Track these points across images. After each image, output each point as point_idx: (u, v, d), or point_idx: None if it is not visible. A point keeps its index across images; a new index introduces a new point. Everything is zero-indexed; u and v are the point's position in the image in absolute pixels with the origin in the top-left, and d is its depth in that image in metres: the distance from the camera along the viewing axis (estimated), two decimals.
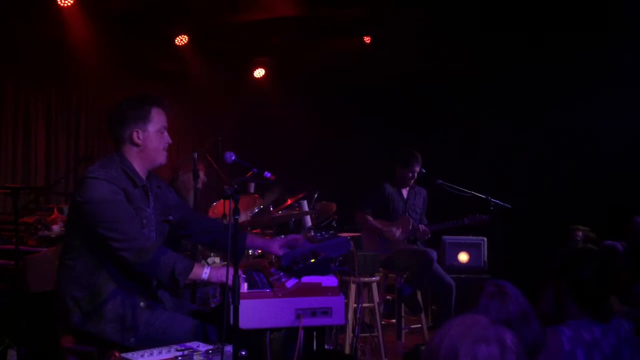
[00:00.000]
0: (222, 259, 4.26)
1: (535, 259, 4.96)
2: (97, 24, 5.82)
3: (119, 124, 2.68)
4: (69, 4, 5.52)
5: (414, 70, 7.20)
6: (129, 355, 2.18)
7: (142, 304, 2.57)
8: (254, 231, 5.06)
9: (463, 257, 5.90)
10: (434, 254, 4.89)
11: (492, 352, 1.27)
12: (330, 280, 2.52)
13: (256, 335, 2.61)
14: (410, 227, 5.04)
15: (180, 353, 2.18)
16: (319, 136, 7.82)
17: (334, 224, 5.55)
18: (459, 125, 6.98)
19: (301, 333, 2.43)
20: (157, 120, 2.70)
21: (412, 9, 5.91)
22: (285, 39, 6.90)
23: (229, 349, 2.18)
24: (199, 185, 4.05)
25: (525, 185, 6.55)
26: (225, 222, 3.42)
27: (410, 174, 5.10)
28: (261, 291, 2.48)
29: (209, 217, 4.77)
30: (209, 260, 4.26)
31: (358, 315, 3.87)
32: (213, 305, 3.84)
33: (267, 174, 3.03)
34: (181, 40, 6.67)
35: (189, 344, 2.30)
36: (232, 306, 2.23)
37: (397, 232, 4.96)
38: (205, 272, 2.58)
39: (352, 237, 4.30)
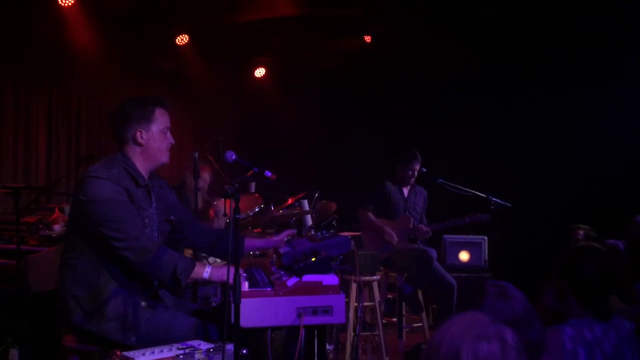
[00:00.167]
0: (223, 258, 4.26)
1: (536, 257, 4.97)
2: (98, 24, 5.83)
3: (122, 124, 2.68)
4: (70, 3, 5.53)
5: (414, 69, 7.20)
6: (130, 354, 2.19)
7: (143, 303, 2.57)
8: (255, 230, 5.07)
9: (464, 256, 5.90)
10: (434, 253, 4.89)
11: (493, 349, 1.28)
12: (331, 279, 2.52)
13: (257, 333, 2.61)
14: (411, 226, 5.05)
15: (181, 352, 2.18)
16: (319, 135, 7.83)
17: (334, 223, 5.56)
18: (460, 124, 6.98)
19: (302, 332, 2.43)
20: (160, 121, 2.70)
21: (412, 9, 5.91)
22: (285, 39, 6.90)
23: (230, 347, 2.18)
24: (201, 184, 4.05)
25: (526, 183, 6.55)
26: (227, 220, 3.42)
27: (410, 173, 5.11)
28: (262, 290, 2.49)
29: (209, 217, 4.78)
30: (210, 259, 4.27)
31: (359, 314, 3.87)
32: (214, 304, 3.85)
33: (268, 173, 3.03)
34: (182, 40, 6.68)
35: (190, 343, 2.30)
36: (233, 305, 2.23)
37: (395, 235, 4.96)
38: (206, 271, 2.58)
39: (353, 236, 4.30)
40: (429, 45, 6.74)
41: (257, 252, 4.44)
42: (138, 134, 2.66)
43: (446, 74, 7.13)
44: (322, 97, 7.87)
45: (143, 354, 2.19)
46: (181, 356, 2.15)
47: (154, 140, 2.68)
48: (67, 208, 4.45)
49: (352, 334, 4.18)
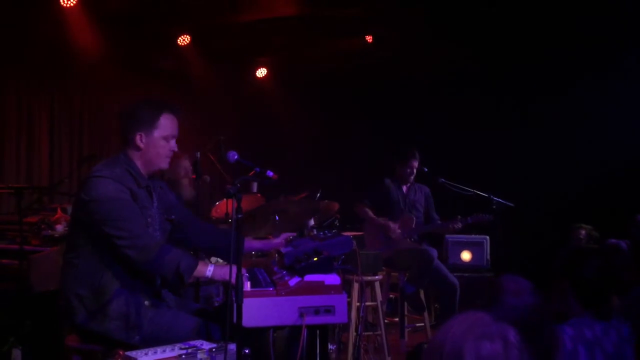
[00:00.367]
0: (223, 258, 4.25)
1: (538, 257, 4.97)
2: (100, 24, 5.83)
3: (127, 125, 2.69)
4: (72, 4, 5.54)
5: (415, 69, 7.20)
6: (133, 353, 2.19)
7: (146, 302, 2.58)
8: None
9: (466, 255, 5.90)
10: (434, 253, 4.90)
11: (496, 348, 1.28)
12: (333, 279, 2.53)
13: (259, 333, 2.61)
14: (414, 226, 5.05)
15: (184, 351, 2.19)
16: (321, 135, 7.83)
17: (336, 222, 5.56)
18: (461, 124, 6.98)
19: (304, 331, 2.44)
20: (164, 127, 2.69)
21: (412, 9, 5.91)
22: (286, 39, 6.91)
23: (232, 347, 2.19)
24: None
25: (527, 183, 6.54)
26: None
27: (409, 170, 5.13)
28: (264, 290, 2.49)
29: (209, 218, 4.77)
30: (212, 259, 4.27)
31: (361, 314, 3.87)
32: (216, 304, 3.85)
33: (270, 173, 3.03)
34: (183, 40, 6.68)
35: (192, 342, 2.31)
36: (235, 305, 2.24)
37: (397, 229, 4.97)
38: (209, 270, 2.59)
39: (355, 236, 4.30)
40: (429, 45, 6.74)
41: (259, 252, 4.44)
42: (138, 137, 2.66)
43: (446, 74, 7.13)
44: (322, 96, 7.87)
45: (146, 354, 2.19)
46: (184, 356, 2.16)
47: (153, 145, 2.68)
48: (69, 208, 4.46)
49: (354, 333, 4.18)
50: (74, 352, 2.59)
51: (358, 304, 4.22)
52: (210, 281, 3.07)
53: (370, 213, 5.06)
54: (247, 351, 2.25)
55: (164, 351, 2.21)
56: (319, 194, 5.51)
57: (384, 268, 4.84)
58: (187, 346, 2.26)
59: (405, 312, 5.03)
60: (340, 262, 3.37)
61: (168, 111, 2.71)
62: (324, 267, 2.60)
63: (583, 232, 5.33)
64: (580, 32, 6.00)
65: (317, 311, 2.45)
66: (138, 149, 2.68)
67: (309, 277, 2.52)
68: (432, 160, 5.30)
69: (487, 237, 5.87)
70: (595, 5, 5.54)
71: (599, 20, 5.77)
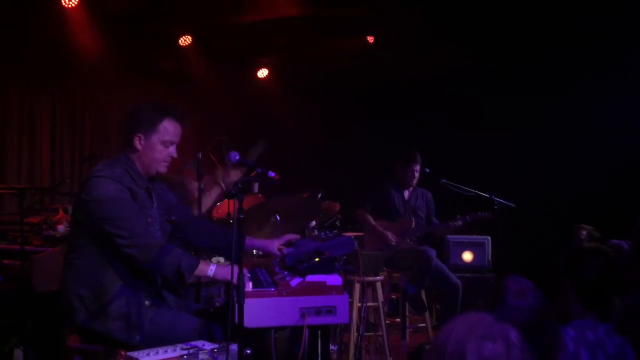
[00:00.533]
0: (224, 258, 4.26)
1: (539, 258, 4.97)
2: (101, 25, 5.83)
3: (128, 126, 2.70)
4: (73, 5, 5.54)
5: (415, 69, 7.20)
6: (134, 354, 2.20)
7: (147, 302, 2.58)
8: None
9: (467, 256, 5.89)
10: (433, 252, 4.90)
11: (498, 349, 1.28)
12: (334, 279, 2.53)
13: (261, 334, 2.61)
14: (414, 226, 5.05)
15: (185, 352, 2.19)
16: (322, 136, 7.83)
17: (337, 223, 5.56)
18: (461, 124, 6.98)
19: (306, 332, 2.44)
20: (164, 132, 2.69)
21: (413, 9, 5.91)
22: (287, 39, 6.91)
23: (234, 347, 2.19)
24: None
25: (528, 183, 6.54)
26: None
27: (410, 174, 5.10)
28: (266, 290, 2.49)
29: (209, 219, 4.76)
30: (214, 259, 4.27)
31: (362, 315, 3.87)
32: (217, 305, 3.85)
33: (271, 174, 3.03)
34: (185, 40, 6.68)
35: (194, 343, 2.31)
36: (237, 305, 2.24)
37: (394, 237, 4.96)
38: (211, 269, 2.60)
39: (356, 237, 4.30)
40: (429, 45, 6.74)
41: (260, 252, 4.44)
42: (137, 138, 2.67)
43: (446, 74, 7.13)
44: (325, 97, 7.87)
45: (147, 354, 2.20)
46: (185, 356, 2.16)
47: (151, 149, 2.68)
48: (70, 208, 4.46)
49: (356, 334, 4.19)
50: (75, 353, 2.60)
51: (359, 304, 4.22)
52: (212, 281, 3.08)
53: (370, 220, 5.05)
54: (248, 352, 2.26)
55: (166, 351, 2.22)
56: (320, 195, 5.52)
57: (385, 268, 4.84)
58: (188, 346, 2.26)
59: (407, 313, 5.03)
60: (342, 263, 3.37)
61: (171, 117, 2.71)
62: (325, 267, 2.61)
63: (584, 232, 5.32)
64: (580, 32, 5.99)
65: (318, 312, 2.45)
66: (136, 150, 2.68)
67: (310, 278, 2.52)
68: (432, 161, 5.29)
69: (489, 238, 5.87)
70: (595, 5, 5.53)
71: (599, 20, 5.76)
